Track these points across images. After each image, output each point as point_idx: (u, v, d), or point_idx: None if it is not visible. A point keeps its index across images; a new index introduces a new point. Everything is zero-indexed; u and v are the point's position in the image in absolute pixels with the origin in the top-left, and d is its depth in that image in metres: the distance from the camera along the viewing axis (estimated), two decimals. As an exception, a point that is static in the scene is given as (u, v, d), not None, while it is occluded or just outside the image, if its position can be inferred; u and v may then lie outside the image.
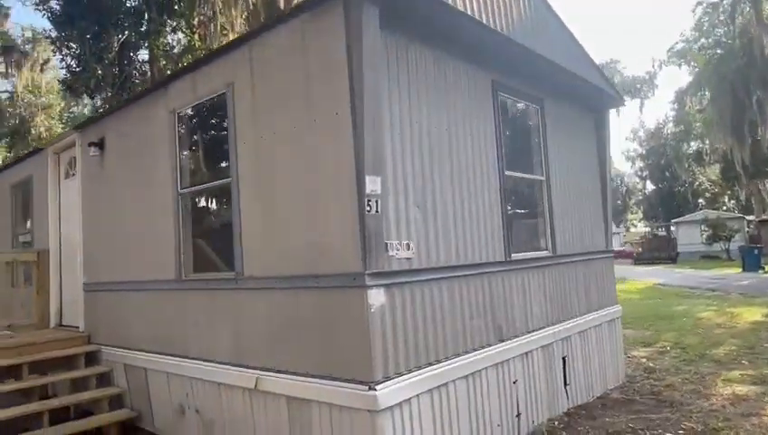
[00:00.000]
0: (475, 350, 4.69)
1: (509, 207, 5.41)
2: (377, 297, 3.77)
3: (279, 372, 4.27)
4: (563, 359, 6.02)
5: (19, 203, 8.65)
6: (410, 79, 4.35)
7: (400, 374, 3.89)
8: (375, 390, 3.64)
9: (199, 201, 5.12)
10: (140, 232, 5.96)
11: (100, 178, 6.68)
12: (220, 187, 4.82)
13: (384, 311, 3.82)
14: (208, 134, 4.77)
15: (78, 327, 6.89)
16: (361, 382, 3.70)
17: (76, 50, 15.02)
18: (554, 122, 6.40)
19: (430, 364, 4.18)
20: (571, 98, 6.75)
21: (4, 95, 26.72)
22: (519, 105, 6.10)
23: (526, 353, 5.34)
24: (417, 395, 3.99)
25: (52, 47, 16.50)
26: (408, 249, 4.13)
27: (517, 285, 5.37)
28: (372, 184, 3.78)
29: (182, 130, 5.50)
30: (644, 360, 8.56)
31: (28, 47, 23.40)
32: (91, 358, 6.47)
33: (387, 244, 3.92)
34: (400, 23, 4.22)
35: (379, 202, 3.81)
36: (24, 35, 24.36)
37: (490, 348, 4.85)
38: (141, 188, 5.95)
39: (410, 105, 4.32)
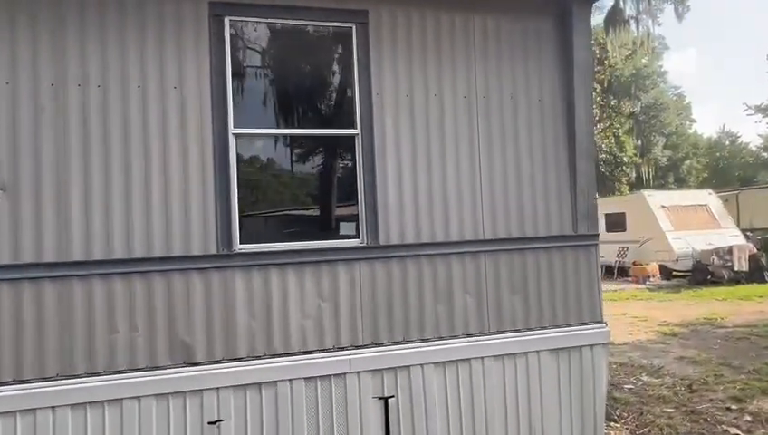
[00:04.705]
0: (117, 372, 3.57)
1: (237, 180, 3.83)
2: None
3: None
4: (385, 399, 4.07)
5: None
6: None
7: (-66, 391, 3.28)
8: None
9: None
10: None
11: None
12: None
13: None
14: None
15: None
16: None
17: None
18: (405, 42, 4.20)
19: (6, 383, 3.39)
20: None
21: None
22: (313, 29, 4.17)
23: (257, 385, 3.80)
24: (-39, 419, 3.31)
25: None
26: (-40, 242, 3.37)
27: (248, 289, 3.82)
28: None
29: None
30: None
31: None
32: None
33: None
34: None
35: None
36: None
37: (152, 372, 3.62)
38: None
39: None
